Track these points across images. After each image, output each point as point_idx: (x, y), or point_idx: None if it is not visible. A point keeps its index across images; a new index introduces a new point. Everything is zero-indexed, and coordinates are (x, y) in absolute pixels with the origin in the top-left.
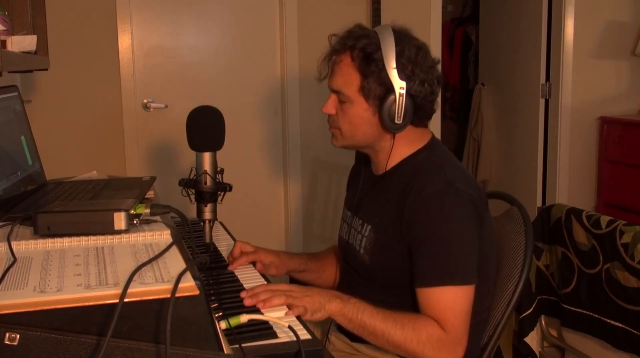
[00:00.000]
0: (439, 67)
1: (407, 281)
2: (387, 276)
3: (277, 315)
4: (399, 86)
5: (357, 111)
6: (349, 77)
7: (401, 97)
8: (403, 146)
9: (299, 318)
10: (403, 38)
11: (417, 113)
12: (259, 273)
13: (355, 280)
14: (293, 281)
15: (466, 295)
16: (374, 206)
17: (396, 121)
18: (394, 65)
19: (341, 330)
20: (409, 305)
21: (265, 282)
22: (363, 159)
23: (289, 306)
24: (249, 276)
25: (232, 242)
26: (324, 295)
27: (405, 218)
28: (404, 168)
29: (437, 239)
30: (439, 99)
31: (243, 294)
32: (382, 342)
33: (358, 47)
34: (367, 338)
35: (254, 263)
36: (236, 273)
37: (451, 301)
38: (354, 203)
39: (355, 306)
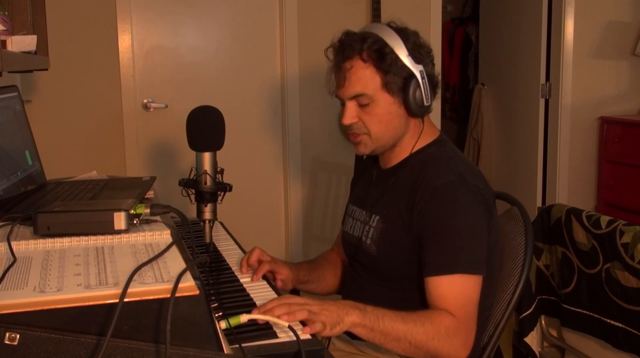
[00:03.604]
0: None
1: (412, 274)
2: (392, 268)
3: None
4: (418, 69)
5: (385, 108)
6: (366, 79)
7: (424, 80)
8: (413, 139)
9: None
10: (400, 28)
11: (435, 92)
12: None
13: (359, 274)
14: (292, 291)
15: (476, 284)
16: (383, 199)
17: (425, 103)
18: (407, 52)
19: None
20: (412, 299)
21: (266, 283)
22: (369, 158)
23: (307, 322)
24: (249, 277)
25: (232, 242)
26: (342, 307)
27: (416, 208)
28: (414, 160)
29: (449, 229)
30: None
31: (255, 312)
32: (405, 344)
33: (366, 48)
34: (388, 346)
35: (273, 277)
36: (236, 273)
37: (463, 289)
38: (362, 198)
39: (374, 314)
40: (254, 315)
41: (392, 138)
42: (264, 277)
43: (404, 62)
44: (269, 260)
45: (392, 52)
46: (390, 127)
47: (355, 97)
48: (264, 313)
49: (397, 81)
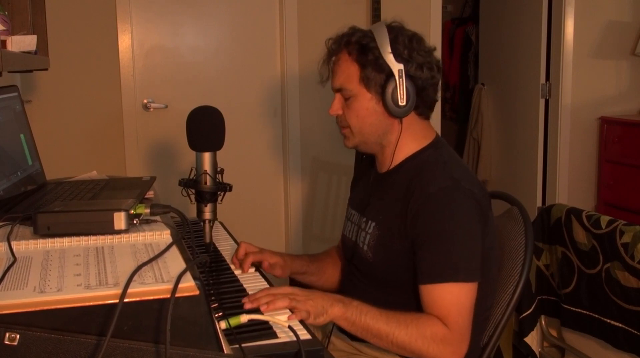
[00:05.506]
0: (437, 54)
1: (408, 279)
2: (389, 274)
3: (279, 318)
4: (397, 68)
5: (361, 103)
6: (348, 72)
7: (401, 79)
8: (408, 142)
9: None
10: (395, 27)
11: (420, 96)
12: (259, 274)
13: (358, 279)
14: (293, 283)
15: (470, 292)
16: (379, 204)
17: (400, 104)
18: (390, 50)
19: (341, 329)
20: (411, 304)
21: (266, 282)
22: (368, 160)
23: (292, 310)
24: (249, 277)
25: (232, 242)
26: (327, 299)
27: (410, 214)
28: (409, 164)
29: (442, 235)
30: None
31: (245, 300)
32: (387, 343)
33: (353, 42)
34: (371, 341)
35: (259, 264)
36: (236, 273)
37: (455, 298)
38: (360, 201)
39: (358, 309)
40: (254, 315)
41: (372, 135)
42: (264, 276)
43: (385, 59)
44: (256, 250)
45: (376, 48)
46: (367, 123)
47: (339, 90)
48: (252, 301)
49: (375, 77)
